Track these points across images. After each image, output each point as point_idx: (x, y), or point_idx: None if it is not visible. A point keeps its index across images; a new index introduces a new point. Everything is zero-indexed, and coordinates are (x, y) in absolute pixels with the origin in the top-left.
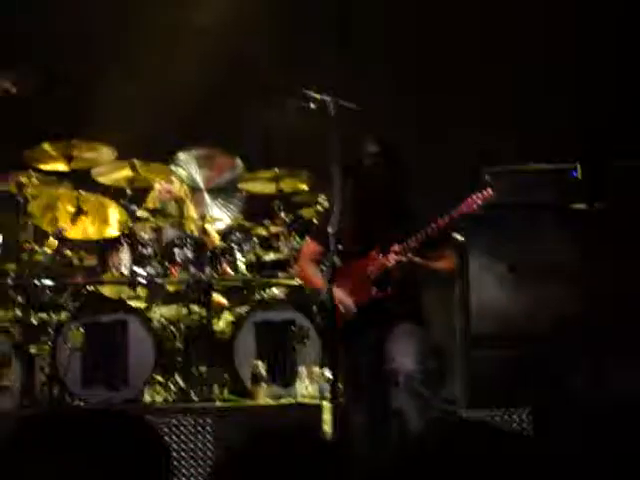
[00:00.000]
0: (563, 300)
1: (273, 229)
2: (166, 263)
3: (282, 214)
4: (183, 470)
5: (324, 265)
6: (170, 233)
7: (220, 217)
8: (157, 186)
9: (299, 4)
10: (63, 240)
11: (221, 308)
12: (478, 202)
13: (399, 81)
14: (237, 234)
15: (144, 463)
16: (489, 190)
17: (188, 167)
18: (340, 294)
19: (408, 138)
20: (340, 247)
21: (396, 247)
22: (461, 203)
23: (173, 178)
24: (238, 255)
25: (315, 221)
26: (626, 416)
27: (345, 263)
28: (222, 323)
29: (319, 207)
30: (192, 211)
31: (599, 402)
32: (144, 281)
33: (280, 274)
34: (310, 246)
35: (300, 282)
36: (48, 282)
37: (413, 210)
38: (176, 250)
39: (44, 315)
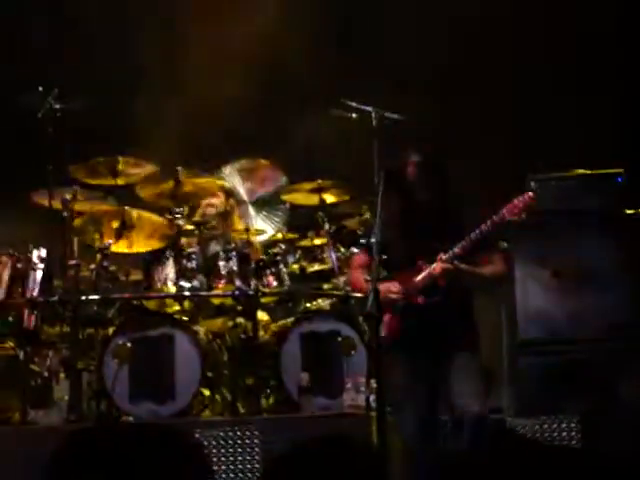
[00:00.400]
0: (609, 306)
1: (317, 240)
2: (211, 276)
3: (326, 225)
4: None
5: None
6: (215, 246)
7: (264, 229)
8: (203, 202)
9: (341, 16)
10: (109, 255)
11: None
12: (520, 206)
13: (441, 89)
14: (281, 246)
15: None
16: (530, 194)
17: (232, 180)
18: (386, 285)
19: (451, 146)
20: (385, 257)
21: (442, 255)
22: (503, 208)
23: (218, 192)
24: (282, 267)
25: (359, 232)
26: None
27: (393, 273)
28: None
29: (362, 217)
30: (237, 224)
31: None
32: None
33: (325, 285)
34: (359, 257)
35: (352, 291)
36: (94, 297)
37: (459, 219)
38: (221, 263)
39: (91, 330)
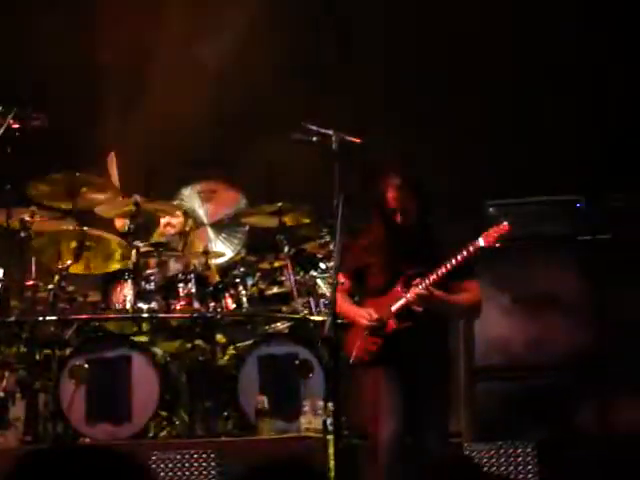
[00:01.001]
0: (568, 333)
1: (276, 263)
2: (170, 298)
3: (285, 248)
4: None
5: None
6: (174, 267)
7: (223, 251)
8: (162, 221)
9: (300, 38)
10: (67, 276)
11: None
12: (495, 236)
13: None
14: (240, 268)
15: None
16: (505, 224)
17: (191, 202)
18: (360, 312)
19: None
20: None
21: (417, 281)
22: (477, 237)
23: (177, 213)
24: (241, 289)
25: (319, 255)
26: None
27: (368, 299)
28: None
29: (322, 241)
30: (196, 245)
31: (604, 440)
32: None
33: (283, 308)
34: (340, 280)
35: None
36: (52, 318)
37: (439, 244)
38: (180, 285)
39: (48, 351)
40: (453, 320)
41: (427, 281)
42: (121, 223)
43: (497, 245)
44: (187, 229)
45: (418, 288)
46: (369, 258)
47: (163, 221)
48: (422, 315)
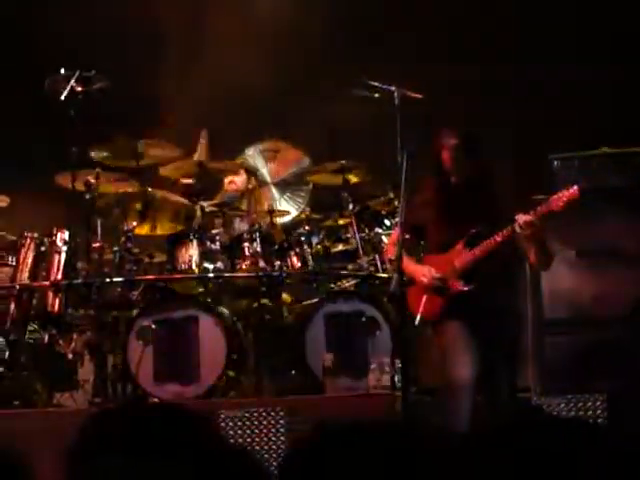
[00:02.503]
0: (635, 284)
1: (341, 221)
2: (235, 258)
3: (350, 206)
4: None
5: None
6: (239, 227)
7: (288, 210)
8: (225, 181)
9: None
10: (132, 237)
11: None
12: (564, 199)
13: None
14: (305, 227)
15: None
16: (575, 188)
17: (255, 161)
18: (421, 268)
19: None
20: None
21: (521, 215)
22: (547, 201)
23: (241, 172)
24: (306, 247)
25: (383, 212)
26: None
27: (433, 256)
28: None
29: (386, 198)
30: (260, 204)
31: None
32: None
33: (349, 265)
34: (394, 234)
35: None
36: (118, 279)
37: (495, 202)
38: (245, 244)
39: (115, 312)
40: (537, 266)
41: (538, 209)
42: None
43: (564, 209)
44: (250, 187)
45: (527, 216)
46: (427, 215)
47: (227, 180)
48: (487, 274)
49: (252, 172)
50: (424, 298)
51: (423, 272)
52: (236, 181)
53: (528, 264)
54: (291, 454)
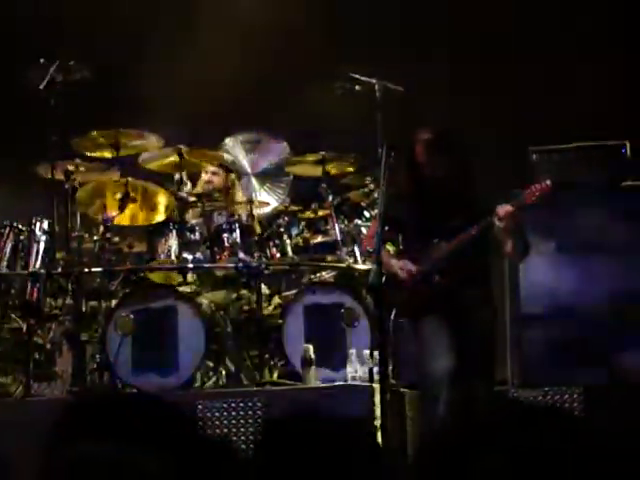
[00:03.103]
0: (613, 278)
1: (321, 212)
2: (215, 248)
3: (329, 197)
4: None
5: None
6: (218, 218)
7: (267, 201)
8: (203, 176)
9: None
10: (111, 227)
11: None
12: (536, 194)
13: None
14: (285, 218)
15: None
16: (548, 183)
17: (235, 152)
18: (398, 262)
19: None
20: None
21: (499, 208)
22: (521, 194)
23: (217, 169)
24: (286, 239)
25: (363, 204)
26: None
27: (410, 251)
28: (271, 307)
29: (366, 190)
30: (240, 196)
31: None
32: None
33: (328, 257)
34: (373, 226)
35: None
36: (97, 269)
37: (472, 198)
38: (224, 235)
39: (94, 302)
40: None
41: (513, 202)
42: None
43: (537, 202)
44: (228, 183)
45: (507, 207)
46: (404, 209)
47: (204, 177)
48: (464, 268)
49: (230, 168)
50: (402, 292)
51: (399, 265)
52: (212, 179)
53: (505, 255)
54: (265, 442)
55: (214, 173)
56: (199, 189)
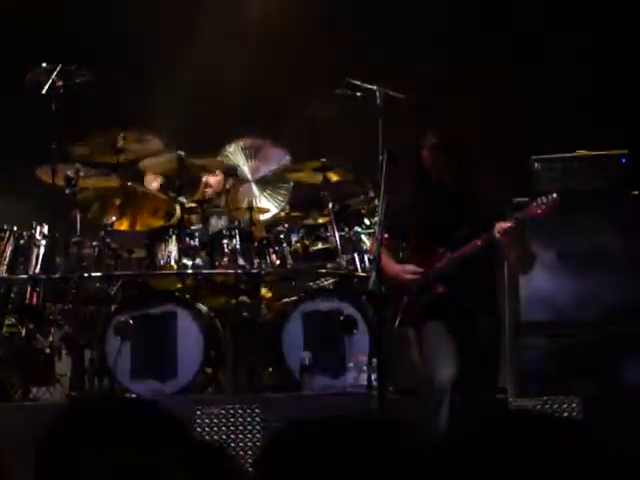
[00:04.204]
0: (613, 289)
1: (320, 219)
2: (214, 254)
3: (330, 204)
4: None
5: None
6: (218, 224)
7: (268, 208)
8: (202, 182)
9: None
10: (111, 232)
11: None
12: (543, 207)
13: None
14: (284, 224)
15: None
16: (555, 197)
17: (236, 158)
18: (401, 266)
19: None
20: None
21: (501, 223)
22: (527, 207)
23: (217, 172)
24: (285, 245)
25: (363, 211)
26: None
27: (414, 258)
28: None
29: (366, 197)
30: (239, 202)
31: None
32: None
33: (328, 264)
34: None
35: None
36: (97, 274)
37: (479, 203)
38: (224, 241)
39: (93, 307)
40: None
41: (517, 215)
42: (156, 183)
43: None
44: (228, 187)
45: (505, 224)
46: (408, 217)
47: (204, 180)
48: (468, 276)
49: (230, 172)
50: (405, 299)
51: (405, 269)
52: (210, 182)
53: (509, 266)
54: (266, 451)
55: (214, 177)
56: (199, 194)
